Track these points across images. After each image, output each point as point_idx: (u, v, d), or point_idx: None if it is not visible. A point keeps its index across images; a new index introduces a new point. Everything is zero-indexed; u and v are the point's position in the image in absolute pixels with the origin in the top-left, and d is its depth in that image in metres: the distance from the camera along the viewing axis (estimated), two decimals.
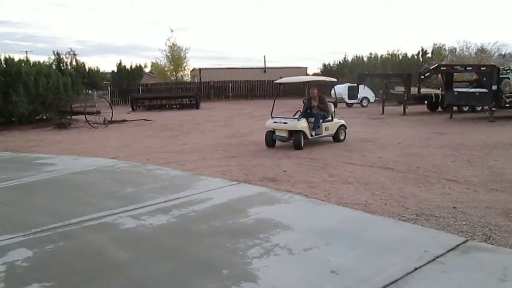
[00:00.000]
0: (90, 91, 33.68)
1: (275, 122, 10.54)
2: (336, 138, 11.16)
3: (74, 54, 31.42)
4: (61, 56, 29.57)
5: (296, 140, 10.08)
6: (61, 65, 28.94)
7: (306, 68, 45.10)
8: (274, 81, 12.11)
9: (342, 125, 11.32)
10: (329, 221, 4.65)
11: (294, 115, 10.88)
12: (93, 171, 7.83)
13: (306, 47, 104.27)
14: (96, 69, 33.90)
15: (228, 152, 9.89)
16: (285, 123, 10.33)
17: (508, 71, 18.32)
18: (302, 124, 10.18)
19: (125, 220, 4.82)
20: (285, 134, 10.27)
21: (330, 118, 11.09)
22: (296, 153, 9.46)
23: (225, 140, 12.27)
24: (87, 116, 17.74)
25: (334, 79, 13.13)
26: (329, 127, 10.91)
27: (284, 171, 7.51)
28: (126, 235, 4.38)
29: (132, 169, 7.99)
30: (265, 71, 43.70)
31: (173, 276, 3.41)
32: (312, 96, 10.91)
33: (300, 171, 7.55)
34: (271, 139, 10.61)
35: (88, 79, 30.96)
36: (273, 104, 11.27)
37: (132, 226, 4.63)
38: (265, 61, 46.48)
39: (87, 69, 31.93)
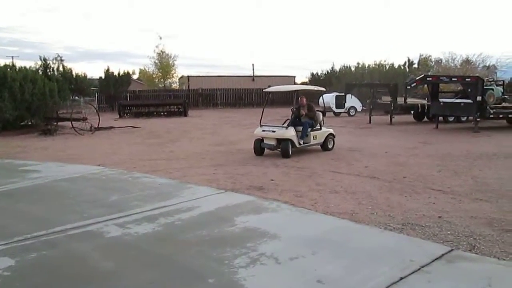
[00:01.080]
0: (77, 97, 33.38)
1: (263, 131, 10.67)
2: (324, 146, 11.25)
3: (61, 60, 31.10)
4: (48, 62, 29.25)
5: (284, 148, 10.18)
6: (48, 70, 28.62)
7: (294, 77, 45.39)
8: (263, 90, 12.67)
9: (331, 134, 11.42)
10: (315, 230, 4.65)
11: (283, 124, 10.96)
12: (79, 179, 7.74)
13: (295, 56, 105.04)
14: (83, 75, 33.63)
15: (216, 160, 9.87)
16: (274, 131, 10.43)
17: (492, 82, 18.70)
18: (290, 133, 10.30)
19: (110, 229, 4.76)
20: (273, 143, 10.38)
21: (319, 127, 11.18)
22: (283, 162, 9.48)
23: (213, 148, 12.25)
24: (73, 122, 17.59)
25: (323, 88, 13.32)
26: (317, 136, 11.01)
27: (271, 180, 7.52)
28: (111, 244, 4.33)
29: (118, 176, 7.92)
30: (253, 80, 43.85)
31: (158, 285, 3.37)
32: (301, 104, 11.05)
33: (288, 179, 7.57)
34: (259, 147, 10.73)
35: (75, 85, 30.63)
36: (262, 112, 11.36)
37: (118, 234, 4.57)
38: (253, 70, 46.43)
39: (74, 75, 31.65)
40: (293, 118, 10.83)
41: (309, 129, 10.71)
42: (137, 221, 5.02)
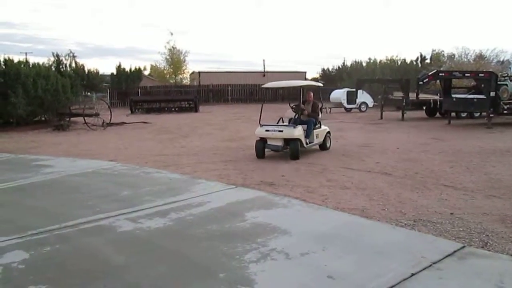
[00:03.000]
0: (89, 93, 33.63)
1: (267, 131, 9.49)
2: (323, 146, 10.58)
3: (74, 56, 31.26)
4: (61, 58, 29.48)
5: (294, 149, 9.25)
6: (60, 66, 28.87)
7: (305, 72, 45.12)
8: (261, 86, 10.69)
9: (328, 132, 10.72)
10: (326, 226, 4.65)
11: (277, 123, 10.08)
12: (91, 174, 7.82)
13: (306, 51, 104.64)
14: (95, 71, 33.82)
15: (226, 156, 9.89)
16: (281, 130, 9.30)
17: (506, 77, 18.40)
18: (299, 132, 9.33)
19: (122, 223, 4.81)
20: (280, 143, 9.34)
21: (318, 125, 10.40)
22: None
23: (223, 143, 12.27)
24: (85, 118, 17.76)
25: (320, 84, 12.67)
26: (318, 135, 10.29)
27: (282, 176, 7.51)
28: (123, 238, 4.37)
29: (130, 171, 7.98)
30: (264, 75, 43.74)
31: (169, 280, 3.40)
32: (307, 100, 10.44)
33: (298, 175, 7.55)
34: (262, 149, 9.56)
35: (87, 81, 30.88)
36: (261, 110, 10.26)
37: (129, 229, 4.62)
38: (264, 65, 46.22)
39: (86, 71, 31.89)
40: (295, 116, 9.90)
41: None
42: (149, 215, 5.07)
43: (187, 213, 5.14)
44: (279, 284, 3.29)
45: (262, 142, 9.58)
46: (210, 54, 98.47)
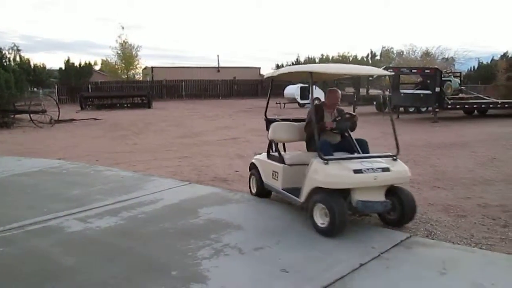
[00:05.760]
0: (35, 89, 32.16)
1: (359, 172, 4.17)
2: None
3: (18, 50, 29.79)
4: (3, 52, 27.99)
5: (411, 202, 4.43)
6: (3, 61, 27.44)
7: (259, 68, 45.34)
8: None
9: None
10: (280, 220, 4.72)
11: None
12: (38, 173, 7.50)
13: (260, 47, 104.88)
14: (42, 66, 32.39)
15: (180, 152, 9.78)
16: (384, 168, 4.32)
17: (450, 74, 19.32)
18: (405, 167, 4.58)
19: (71, 223, 4.66)
20: (381, 198, 4.35)
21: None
22: (249, 154, 9.46)
23: (178, 140, 12.13)
24: (31, 115, 16.98)
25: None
26: None
27: (236, 171, 7.52)
28: (72, 239, 4.23)
29: (80, 170, 7.73)
30: (218, 71, 43.56)
31: (121, 279, 3.33)
32: (331, 103, 5.48)
33: None
34: (343, 211, 4.14)
35: (33, 76, 29.49)
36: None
37: (79, 229, 4.48)
38: (218, 61, 45.99)
39: (32, 65, 30.44)
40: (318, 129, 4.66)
41: None
42: (99, 215, 4.93)
43: (139, 211, 5.04)
44: (232, 280, 3.31)
45: (339, 196, 4.23)
46: (164, 49, 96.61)
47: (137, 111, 24.84)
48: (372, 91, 21.63)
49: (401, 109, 19.74)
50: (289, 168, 5.07)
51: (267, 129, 5.65)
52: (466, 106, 18.84)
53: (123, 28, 75.40)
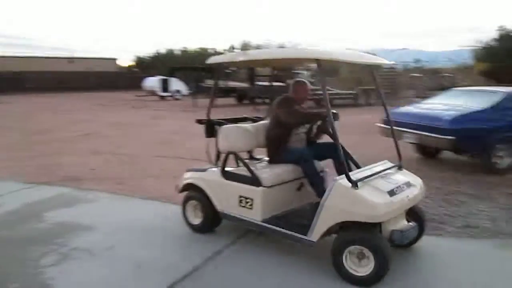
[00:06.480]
0: None
1: (393, 194, 3.22)
2: None
3: None
4: None
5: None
6: None
7: (115, 59, 43.39)
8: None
9: None
10: (134, 216, 4.63)
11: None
12: None
13: (118, 38, 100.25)
14: None
15: (27, 151, 8.85)
16: (407, 184, 3.51)
17: (301, 68, 20.88)
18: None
19: None
20: (405, 222, 3.56)
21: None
22: (105, 150, 8.99)
23: (25, 138, 10.95)
24: None
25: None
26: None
27: (91, 169, 7.11)
28: None
29: None
30: (72, 61, 40.44)
31: None
32: (301, 97, 4.20)
33: (109, 167, 7.27)
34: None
35: None
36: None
37: None
38: (71, 51, 42.80)
39: None
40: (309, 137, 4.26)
41: None
42: None
43: None
44: (80, 284, 3.16)
45: (375, 230, 3.22)
46: (11, 36, 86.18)
47: None
48: (234, 84, 22.33)
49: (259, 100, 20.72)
50: (270, 191, 3.65)
51: (209, 135, 4.27)
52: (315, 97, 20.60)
53: None
